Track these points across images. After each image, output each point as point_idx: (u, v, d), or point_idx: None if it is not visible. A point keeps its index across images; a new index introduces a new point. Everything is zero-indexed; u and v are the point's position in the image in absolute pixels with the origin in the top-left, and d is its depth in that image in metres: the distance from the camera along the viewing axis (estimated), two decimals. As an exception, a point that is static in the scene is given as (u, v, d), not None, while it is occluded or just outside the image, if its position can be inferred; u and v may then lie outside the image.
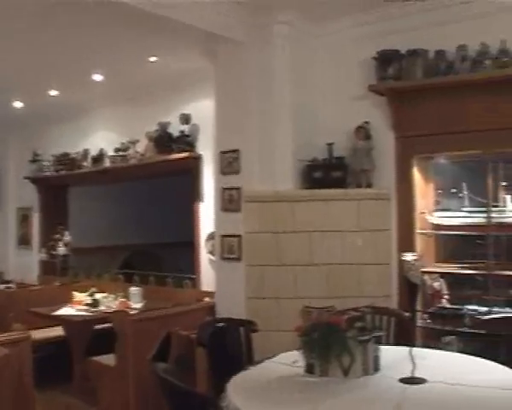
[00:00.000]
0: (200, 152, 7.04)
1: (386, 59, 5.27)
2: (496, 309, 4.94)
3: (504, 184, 5.18)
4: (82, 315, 6.63)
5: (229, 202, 5.65)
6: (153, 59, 6.47)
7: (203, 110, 6.76)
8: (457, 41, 5.01)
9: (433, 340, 5.21)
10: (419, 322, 5.31)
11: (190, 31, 5.27)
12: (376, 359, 3.42)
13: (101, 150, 8.37)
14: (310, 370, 3.39)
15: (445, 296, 5.39)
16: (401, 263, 3.42)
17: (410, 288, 3.38)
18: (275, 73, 5.55)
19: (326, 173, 5.45)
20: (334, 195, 5.31)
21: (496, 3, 4.88)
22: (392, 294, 5.16)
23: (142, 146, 7.68)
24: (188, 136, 7.12)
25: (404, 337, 4.16)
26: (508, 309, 4.96)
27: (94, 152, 8.52)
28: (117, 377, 5.31)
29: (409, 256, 3.34)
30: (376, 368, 3.40)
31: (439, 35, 5.11)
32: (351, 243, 5.26)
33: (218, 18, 5.27)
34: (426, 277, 5.35)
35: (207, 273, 6.74)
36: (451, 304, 5.33)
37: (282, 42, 5.54)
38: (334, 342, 3.28)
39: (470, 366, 3.64)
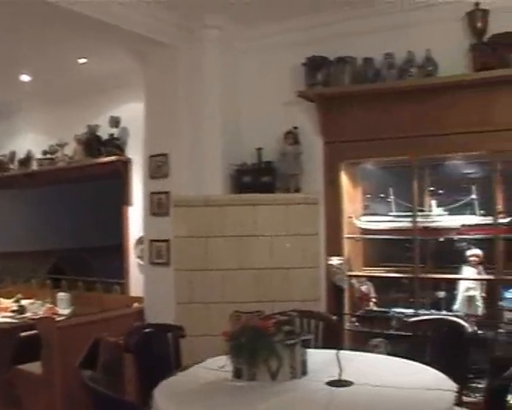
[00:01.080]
0: (130, 156, 6.96)
1: (315, 65, 5.33)
2: (422, 311, 5.04)
3: (432, 189, 5.32)
4: (7, 322, 6.45)
5: (158, 206, 5.60)
6: (82, 60, 6.36)
7: (133, 113, 6.67)
8: (385, 49, 5.13)
9: (362, 343, 5.30)
10: (347, 325, 5.39)
11: (119, 32, 5.19)
12: (304, 362, 3.43)
13: (29, 153, 8.16)
14: (237, 374, 3.37)
15: (373, 299, 5.49)
16: (328, 267, 3.44)
17: (336, 291, 3.41)
18: (204, 77, 5.55)
19: (255, 178, 5.48)
20: (262, 199, 5.32)
21: (422, 14, 5.01)
22: (320, 297, 5.20)
23: (70, 149, 7.53)
24: (117, 139, 7.04)
25: (333, 341, 4.19)
26: (433, 311, 5.08)
27: (21, 154, 8.31)
28: (43, 385, 5.18)
29: (335, 260, 3.37)
30: (304, 372, 3.41)
31: (367, 43, 5.21)
32: (279, 247, 5.27)
33: (146, 20, 5.22)
34: (354, 280, 5.44)
35: (136, 278, 6.66)
36: (379, 307, 5.44)
37: (211, 46, 5.54)
38: (261, 346, 3.27)
39: (396, 367, 3.69)
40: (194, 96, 5.53)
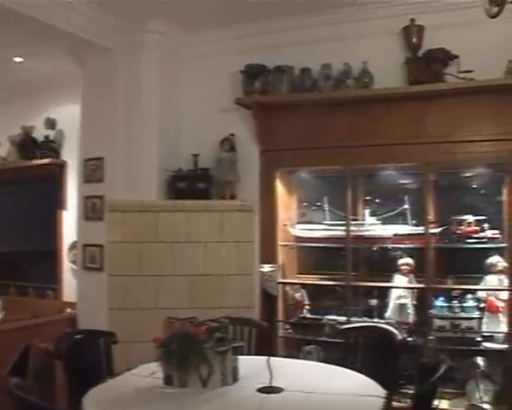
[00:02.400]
0: (65, 159, 6.85)
1: (253, 73, 5.37)
2: (354, 319, 5.12)
3: (366, 198, 5.41)
4: None
5: (92, 210, 5.53)
6: (18, 59, 6.21)
7: (69, 115, 6.57)
8: (322, 60, 5.20)
9: (295, 349, 5.34)
10: (281, 332, 5.43)
11: (57, 33, 5.09)
12: (235, 369, 3.43)
13: (-40, 154, 7.94)
14: (168, 381, 3.36)
15: (307, 307, 5.53)
16: (260, 274, 3.45)
17: (267, 299, 3.43)
18: (143, 82, 5.51)
19: (190, 184, 5.46)
20: (198, 206, 5.32)
21: (359, 28, 5.11)
22: (254, 305, 5.22)
23: (4, 150, 7.36)
24: (53, 141, 6.92)
25: (266, 347, 4.21)
26: (366, 318, 5.16)
27: (-48, 155, 8.06)
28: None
29: (266, 268, 3.39)
30: (235, 378, 3.41)
31: (305, 53, 5.27)
32: (214, 254, 5.29)
33: (85, 22, 5.15)
34: (288, 287, 5.48)
35: (70, 284, 6.54)
36: (312, 314, 5.48)
37: (152, 51, 5.51)
38: (192, 352, 3.26)
39: (327, 373, 3.74)
40: (132, 101, 5.49)
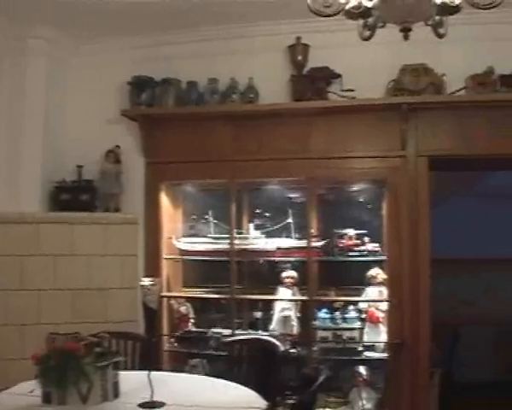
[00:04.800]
0: None
1: (140, 85, 5.32)
2: (239, 331, 5.15)
3: (250, 212, 5.47)
4: None
5: (-32, 222, 5.29)
6: None
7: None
8: (209, 74, 5.22)
9: (181, 363, 5.32)
10: (167, 346, 5.39)
11: None
12: (116, 384, 3.37)
13: None
14: (47, 399, 3.25)
15: (192, 320, 5.51)
16: (140, 288, 3.42)
17: (147, 312, 3.40)
18: (27, 90, 5.30)
19: (74, 196, 5.32)
20: (81, 218, 5.21)
21: (246, 44, 5.19)
22: (138, 319, 5.14)
23: None
24: None
25: (150, 362, 4.17)
26: (250, 331, 5.20)
27: None
28: None
29: (146, 281, 3.36)
30: (116, 394, 3.35)
31: (192, 67, 5.28)
32: (98, 267, 5.19)
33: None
34: (173, 301, 5.45)
35: None
36: (198, 327, 5.46)
37: (38, 58, 5.31)
38: (70, 368, 3.19)
39: (210, 387, 3.76)
40: (16, 109, 5.27)
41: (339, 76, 5.01)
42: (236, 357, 4.51)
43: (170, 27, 5.19)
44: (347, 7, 2.59)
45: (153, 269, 5.15)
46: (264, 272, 5.41)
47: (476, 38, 4.81)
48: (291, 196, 5.45)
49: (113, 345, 4.27)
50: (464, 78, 4.85)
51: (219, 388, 3.69)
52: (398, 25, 2.55)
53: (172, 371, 4.84)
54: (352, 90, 4.91)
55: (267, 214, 5.42)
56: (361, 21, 2.68)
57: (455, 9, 2.62)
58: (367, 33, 2.67)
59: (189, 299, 5.52)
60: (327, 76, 5.01)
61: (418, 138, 4.85)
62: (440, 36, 2.71)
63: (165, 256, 5.36)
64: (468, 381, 7.94)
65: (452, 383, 7.59)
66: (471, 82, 4.84)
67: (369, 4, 2.56)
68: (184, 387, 3.74)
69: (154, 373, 3.40)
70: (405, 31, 2.54)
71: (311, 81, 5.00)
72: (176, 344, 5.44)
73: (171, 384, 3.70)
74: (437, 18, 2.65)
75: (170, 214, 5.47)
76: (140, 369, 4.18)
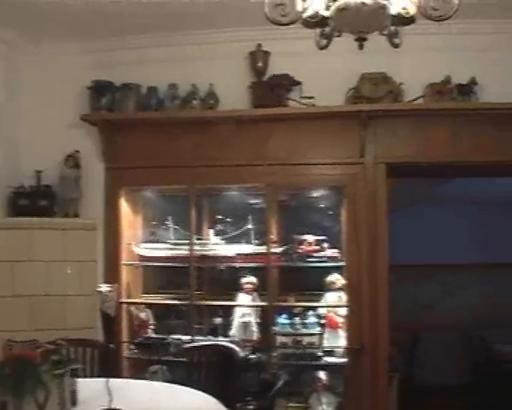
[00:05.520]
0: None
1: (100, 89, 5.28)
2: (199, 338, 5.14)
3: (210, 218, 5.48)
4: None
5: None
6: None
7: None
8: (170, 80, 5.21)
9: (141, 370, 5.28)
10: (127, 353, 5.35)
11: None
12: (74, 393, 3.33)
13: None
14: (3, 408, 3.20)
15: (152, 326, 5.48)
16: (98, 295, 3.40)
17: (105, 319, 3.38)
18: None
19: (32, 201, 5.25)
20: (40, 223, 5.15)
21: (207, 50, 5.20)
22: (97, 325, 5.09)
23: None
24: None
25: (109, 369, 4.14)
26: (210, 337, 5.20)
27: None
28: None
29: (103, 287, 3.35)
30: (74, 402, 3.31)
31: (153, 72, 5.27)
32: (56, 273, 5.13)
33: None
34: (132, 307, 5.41)
35: None
36: (158, 334, 5.43)
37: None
38: (27, 376, 3.15)
39: (169, 393, 3.74)
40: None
41: (299, 83, 5.06)
42: (196, 363, 4.50)
43: (131, 32, 5.17)
44: (304, 16, 2.61)
45: (112, 275, 5.11)
46: (224, 278, 5.42)
47: (434, 48, 4.92)
48: (251, 202, 5.46)
49: (71, 352, 4.22)
50: (422, 86, 4.94)
51: (179, 394, 3.68)
52: (353, 34, 2.59)
53: (132, 378, 4.82)
54: (312, 98, 4.95)
55: (228, 220, 5.43)
56: (318, 30, 2.70)
57: (409, 20, 2.66)
58: (324, 42, 2.70)
59: (148, 305, 5.50)
60: (287, 83, 5.06)
61: (376, 146, 4.92)
62: (395, 46, 2.75)
63: (124, 262, 5.32)
64: (427, 385, 8.05)
65: (412, 387, 7.68)
66: (429, 90, 4.93)
67: (326, 14, 2.58)
68: (144, 394, 3.72)
69: (112, 380, 3.38)
70: (360, 40, 2.58)
71: (271, 88, 5.04)
72: (135, 351, 5.40)
73: (131, 391, 3.68)
74: (392, 28, 2.69)
75: (129, 220, 5.44)
76: (99, 376, 4.14)
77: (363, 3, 2.44)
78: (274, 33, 4.87)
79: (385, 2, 2.51)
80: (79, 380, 3.42)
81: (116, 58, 5.34)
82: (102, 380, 3.43)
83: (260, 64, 5.10)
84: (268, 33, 4.92)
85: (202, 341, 4.99)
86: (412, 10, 2.62)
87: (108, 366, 4.28)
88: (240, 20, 4.88)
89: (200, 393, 3.62)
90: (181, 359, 4.83)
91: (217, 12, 4.77)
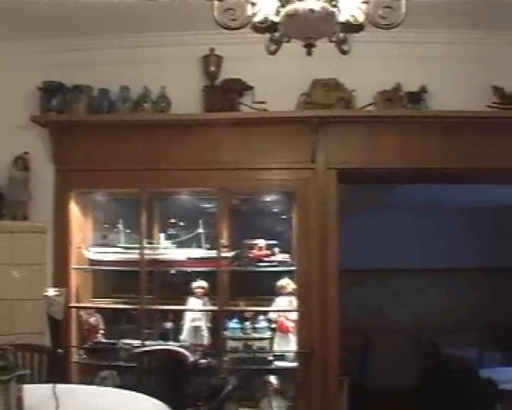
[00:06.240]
0: None
1: (50, 90, 5.20)
2: (149, 342, 5.09)
3: (162, 221, 5.45)
4: None
5: None
6: None
7: None
8: (121, 82, 5.16)
9: (91, 375, 5.21)
10: (76, 358, 5.27)
11: None
12: (19, 399, 3.26)
13: None
14: None
15: (102, 331, 5.41)
16: (45, 299, 3.36)
17: (52, 324, 3.34)
18: None
19: (-20, 204, 5.18)
20: (-13, 226, 5.06)
21: (159, 52, 5.16)
22: (46, 331, 5.02)
23: None
24: None
25: (57, 375, 4.08)
26: (161, 342, 5.15)
27: None
28: None
29: (51, 292, 3.31)
30: (20, 408, 3.26)
31: (105, 74, 5.21)
32: (4, 277, 5.04)
33: None
34: (82, 312, 5.35)
35: None
36: (108, 339, 5.37)
37: None
38: (-30, 383, 3.09)
39: (118, 399, 3.70)
40: None
41: (251, 88, 5.07)
42: (146, 368, 4.48)
43: (82, 33, 5.10)
44: (254, 21, 2.62)
45: (61, 279, 5.03)
46: (174, 283, 5.41)
47: (385, 56, 4.99)
48: (203, 206, 5.46)
49: (18, 358, 4.15)
50: (373, 94, 5.01)
51: (129, 400, 3.65)
52: (302, 40, 2.61)
53: (81, 383, 4.76)
54: (264, 103, 4.97)
55: (180, 223, 5.42)
56: (268, 35, 2.71)
57: (358, 27, 2.69)
58: (273, 47, 2.71)
59: (98, 310, 5.43)
60: (239, 88, 5.06)
61: (328, 151, 4.96)
62: (344, 52, 2.78)
63: (74, 266, 5.24)
64: (379, 388, 8.15)
65: (364, 391, 7.77)
66: (380, 98, 5.00)
67: (276, 19, 2.59)
68: (92, 400, 3.67)
69: (60, 386, 3.34)
70: (309, 46, 2.60)
71: (223, 92, 5.04)
72: (85, 356, 5.32)
73: (79, 397, 3.64)
74: (341, 35, 2.71)
75: (79, 223, 5.37)
76: (47, 382, 4.08)
77: (312, 10, 2.46)
78: (227, 38, 4.82)
79: (333, 10, 2.54)
80: (26, 386, 3.37)
81: (68, 59, 5.25)
82: (49, 386, 3.38)
83: (213, 68, 5.10)
84: (221, 38, 4.87)
85: (152, 346, 4.95)
86: (361, 18, 2.65)
87: (57, 372, 4.22)
88: (193, 24, 4.85)
89: (150, 398, 3.60)
90: (131, 364, 4.79)
91: (169, 15, 4.75)
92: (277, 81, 4.98)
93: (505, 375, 6.93)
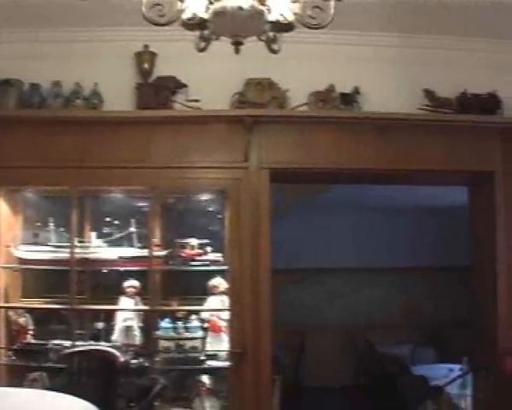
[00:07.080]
0: None
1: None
2: (80, 343, 5.01)
3: (92, 220, 5.37)
4: None
5: None
6: None
7: None
8: (53, 77, 5.06)
9: (20, 377, 5.09)
10: (4, 359, 5.14)
11: None
12: None
13: None
14: None
15: (31, 332, 5.29)
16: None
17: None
18: None
19: None
20: None
21: (92, 48, 5.09)
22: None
23: None
24: None
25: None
26: (92, 342, 5.07)
27: None
28: None
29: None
30: None
31: (36, 68, 5.08)
32: None
33: None
34: (11, 312, 5.22)
35: None
36: (38, 339, 5.25)
37: None
38: None
39: (44, 401, 3.62)
40: None
41: (185, 86, 5.03)
42: (76, 369, 4.41)
43: (13, 25, 4.97)
44: (183, 17, 2.60)
45: (-11, 279, 4.92)
46: (106, 282, 5.33)
47: (319, 56, 5.06)
48: (136, 204, 5.41)
49: None
50: (307, 94, 5.05)
51: (56, 402, 3.58)
52: (230, 38, 2.60)
53: (10, 385, 4.66)
54: (198, 101, 4.95)
55: (111, 222, 5.35)
56: (197, 32, 2.70)
57: (288, 27, 2.70)
58: (202, 45, 2.70)
59: (28, 310, 5.31)
60: (172, 85, 5.02)
61: (261, 151, 4.96)
62: (274, 51, 2.78)
63: (2, 265, 5.11)
64: (314, 386, 8.23)
65: (299, 389, 7.84)
66: (313, 98, 5.05)
67: (205, 16, 2.58)
68: (20, 402, 3.58)
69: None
70: (237, 44, 2.60)
71: (157, 90, 4.99)
72: (13, 358, 5.20)
73: (6, 400, 3.54)
74: (270, 34, 2.72)
75: (9, 221, 5.23)
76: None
77: (240, 8, 2.46)
78: (161, 35, 4.83)
79: (262, 8, 2.54)
80: None
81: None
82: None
83: (146, 65, 5.05)
84: (155, 34, 4.85)
85: (82, 346, 4.88)
86: (290, 17, 2.66)
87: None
88: (127, 20, 4.78)
89: (80, 400, 3.54)
90: (61, 365, 4.71)
91: (102, 10, 4.69)
92: (211, 80, 4.98)
93: (436, 372, 7.11)
